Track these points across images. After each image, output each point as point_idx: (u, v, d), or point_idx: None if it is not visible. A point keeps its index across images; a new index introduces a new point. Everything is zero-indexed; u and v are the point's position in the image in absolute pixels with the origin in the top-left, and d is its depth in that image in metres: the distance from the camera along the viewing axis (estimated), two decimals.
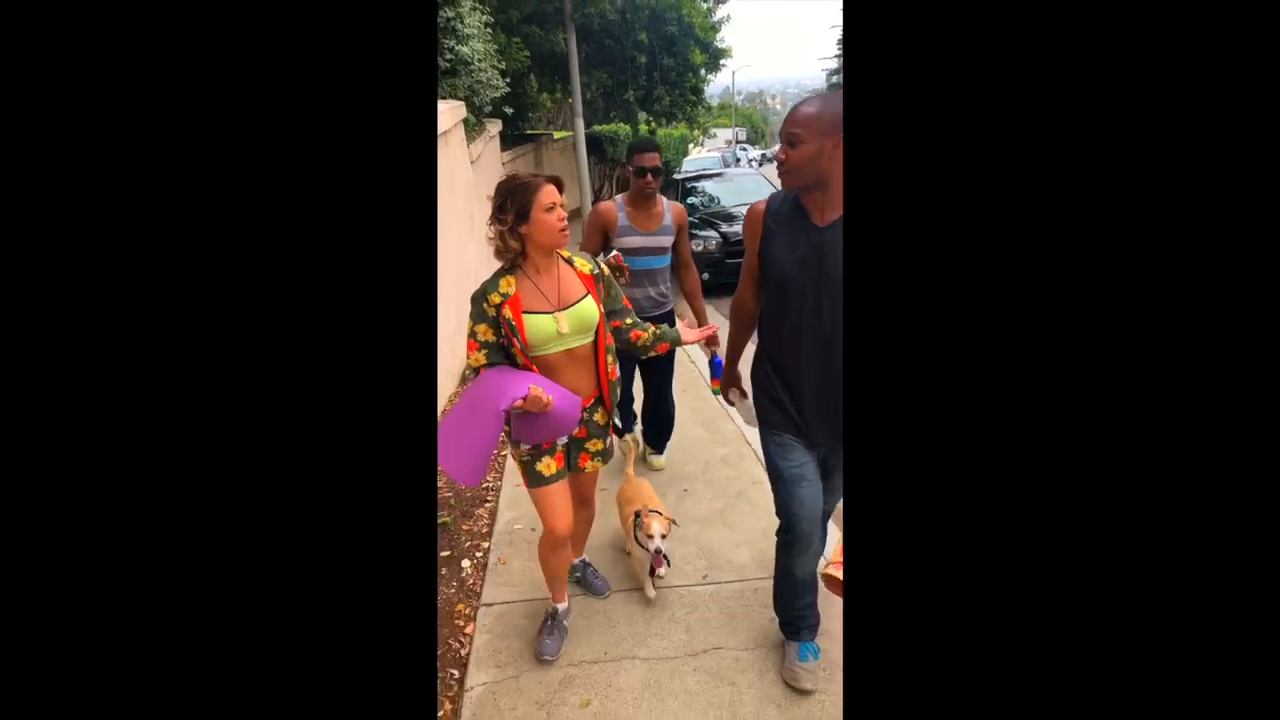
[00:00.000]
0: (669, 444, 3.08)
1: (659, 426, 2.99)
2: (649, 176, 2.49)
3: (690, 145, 21.23)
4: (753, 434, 3.32)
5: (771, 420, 1.76)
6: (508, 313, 1.60)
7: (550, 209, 1.56)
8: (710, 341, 1.94)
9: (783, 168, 1.53)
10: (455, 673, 1.91)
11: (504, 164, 7.94)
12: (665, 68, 11.23)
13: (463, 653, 1.99)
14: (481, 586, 2.30)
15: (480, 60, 5.46)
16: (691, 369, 4.26)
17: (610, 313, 1.76)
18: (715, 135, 33.91)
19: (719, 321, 2.80)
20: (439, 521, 2.67)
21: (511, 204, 1.56)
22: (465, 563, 2.43)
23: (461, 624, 2.11)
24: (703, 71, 12.18)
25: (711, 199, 7.99)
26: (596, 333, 1.71)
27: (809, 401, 1.66)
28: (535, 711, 1.76)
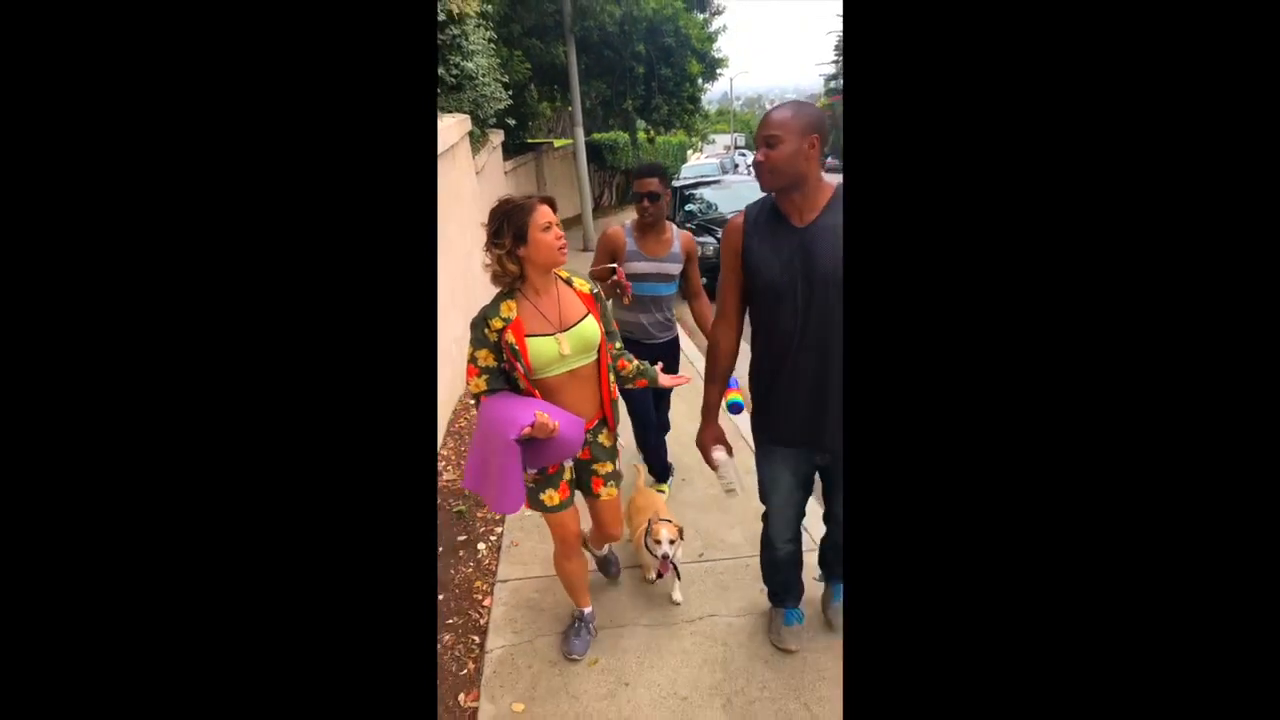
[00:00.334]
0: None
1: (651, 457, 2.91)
2: (646, 202, 2.44)
3: (689, 152, 21.56)
4: (745, 425, 3.52)
5: (759, 426, 1.82)
6: (510, 337, 1.60)
7: (547, 228, 1.57)
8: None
9: (762, 168, 1.56)
10: (476, 639, 2.13)
11: (506, 173, 8.18)
12: (663, 78, 11.49)
13: (482, 622, 2.20)
14: (497, 566, 2.51)
15: (485, 75, 5.70)
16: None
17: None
18: (714, 141, 34.13)
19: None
20: (455, 510, 2.89)
21: (508, 227, 1.56)
22: (481, 545, 2.64)
23: (479, 598, 2.32)
24: (699, 81, 12.44)
25: (709, 205, 8.25)
26: (598, 351, 1.72)
27: (809, 400, 1.67)
28: (549, 669, 1.97)
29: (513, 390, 1.71)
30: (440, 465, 3.31)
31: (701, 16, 12.54)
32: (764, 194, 1.65)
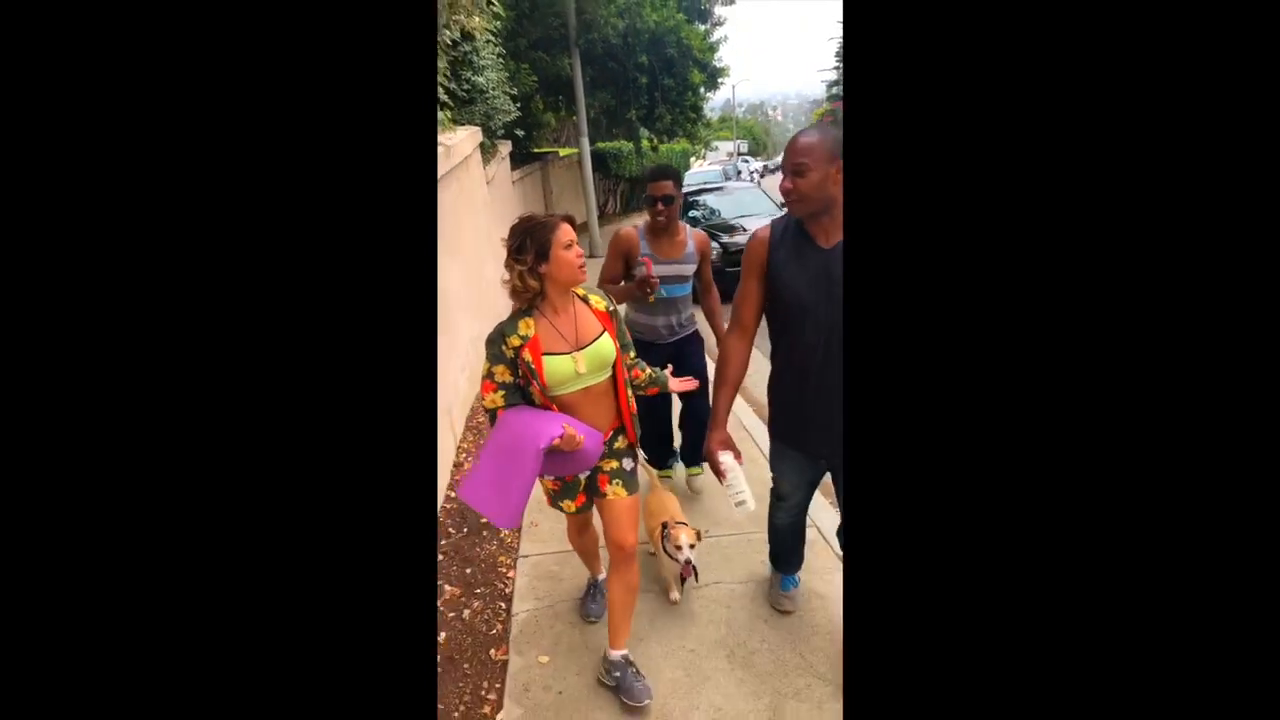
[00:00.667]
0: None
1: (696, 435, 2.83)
2: (659, 205, 2.44)
3: (692, 159, 21.85)
4: (750, 418, 3.73)
5: (782, 433, 1.91)
6: (527, 355, 1.60)
7: (569, 246, 1.58)
8: None
9: (791, 196, 1.59)
10: (503, 604, 2.34)
11: (513, 181, 8.43)
12: (665, 88, 11.78)
13: (507, 590, 2.42)
14: (519, 544, 2.72)
15: (494, 89, 5.95)
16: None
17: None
18: (717, 148, 34.46)
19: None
20: None
21: (531, 243, 1.57)
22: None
23: (504, 570, 2.54)
24: (701, 90, 12.73)
25: (712, 211, 8.50)
26: (614, 368, 1.73)
27: (830, 414, 1.71)
28: (569, 629, 2.18)
29: (529, 405, 1.70)
30: (460, 457, 3.52)
31: (703, 28, 12.84)
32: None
